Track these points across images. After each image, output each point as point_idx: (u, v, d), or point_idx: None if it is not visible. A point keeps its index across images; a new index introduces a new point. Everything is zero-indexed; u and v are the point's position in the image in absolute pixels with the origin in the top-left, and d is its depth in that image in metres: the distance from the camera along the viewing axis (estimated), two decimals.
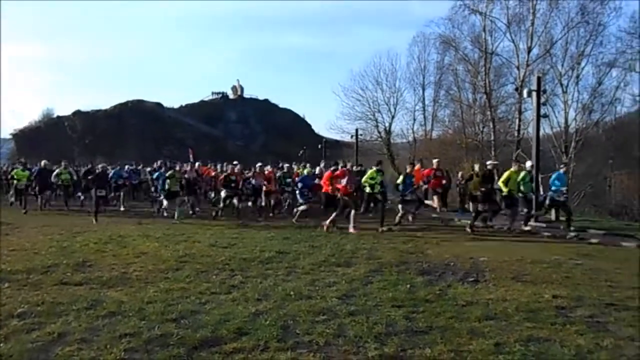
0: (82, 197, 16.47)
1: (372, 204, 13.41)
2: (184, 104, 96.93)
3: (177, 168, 15.03)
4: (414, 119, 36.70)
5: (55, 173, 15.96)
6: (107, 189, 13.74)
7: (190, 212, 14.12)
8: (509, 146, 28.24)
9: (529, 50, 27.20)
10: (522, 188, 11.18)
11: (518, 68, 27.74)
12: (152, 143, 73.85)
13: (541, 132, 16.39)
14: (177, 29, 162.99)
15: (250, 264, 7.15)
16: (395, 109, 35.90)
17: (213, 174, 16.74)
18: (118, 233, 10.24)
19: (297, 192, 13.20)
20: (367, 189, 11.66)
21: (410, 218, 12.44)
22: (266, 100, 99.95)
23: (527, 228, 11.13)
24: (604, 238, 10.15)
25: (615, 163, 27.77)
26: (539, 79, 15.26)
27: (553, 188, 11.06)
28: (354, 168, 14.09)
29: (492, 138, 28.69)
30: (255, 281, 6.06)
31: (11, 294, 5.35)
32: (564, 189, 11.03)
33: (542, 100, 15.49)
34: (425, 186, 13.06)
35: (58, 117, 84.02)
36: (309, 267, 6.93)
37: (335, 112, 61.32)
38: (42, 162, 16.62)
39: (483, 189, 10.89)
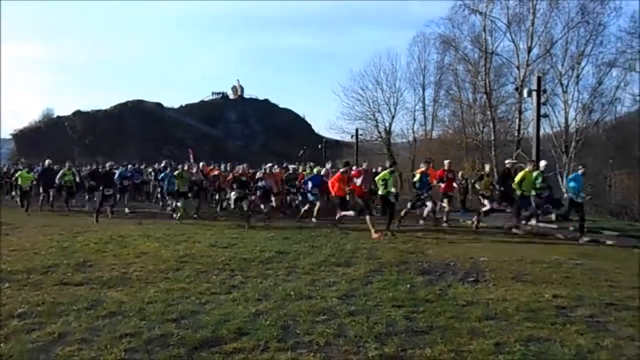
0: (87, 198, 16.21)
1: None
2: (184, 104, 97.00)
3: (186, 167, 14.56)
4: (414, 119, 36.76)
5: (60, 174, 15.89)
6: (114, 188, 13.48)
7: (194, 214, 13.62)
8: (509, 146, 28.23)
9: (529, 50, 27.21)
10: (537, 187, 10.99)
11: (518, 68, 27.74)
12: (152, 143, 73.84)
13: (541, 132, 16.44)
14: (177, 29, 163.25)
15: (250, 264, 7.15)
16: (395, 108, 35.98)
17: (216, 172, 16.60)
18: (118, 233, 10.24)
19: (307, 191, 13.06)
20: (380, 191, 11.16)
21: (422, 220, 12.16)
22: (266, 100, 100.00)
23: (517, 229, 10.93)
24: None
25: (616, 163, 27.75)
26: (539, 78, 15.29)
27: (570, 190, 10.68)
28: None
29: (492, 138, 28.70)
30: (255, 281, 6.06)
31: (11, 294, 5.35)
32: (582, 193, 10.63)
33: (542, 100, 15.50)
34: (442, 184, 12.69)
35: (58, 117, 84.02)
36: (309, 267, 6.93)
37: (335, 112, 61.63)
38: (46, 162, 16.52)
39: (502, 189, 10.71)
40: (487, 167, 12.63)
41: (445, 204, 12.52)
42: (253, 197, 13.03)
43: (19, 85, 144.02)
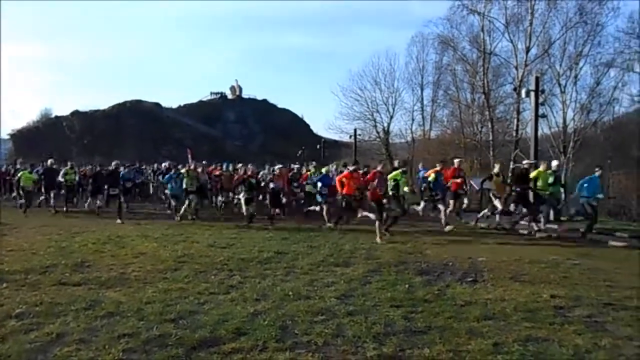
0: (89, 199, 15.85)
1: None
2: (182, 104, 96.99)
3: (192, 167, 14.03)
4: (413, 119, 36.72)
5: (62, 173, 15.81)
6: (119, 188, 13.25)
7: (192, 217, 13.24)
8: (507, 146, 28.27)
9: (528, 50, 27.22)
10: (550, 188, 10.89)
11: (516, 68, 27.76)
12: (150, 143, 73.80)
13: (539, 132, 16.41)
14: (177, 29, 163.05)
15: (248, 264, 7.15)
16: (393, 109, 35.96)
17: (217, 172, 16.48)
18: (117, 233, 10.22)
19: (316, 192, 12.88)
20: (391, 191, 10.93)
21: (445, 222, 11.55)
22: (265, 100, 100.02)
23: (540, 231, 10.69)
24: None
25: (614, 163, 27.76)
26: (537, 79, 15.28)
27: (585, 192, 10.46)
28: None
29: (491, 138, 28.72)
30: (253, 281, 6.06)
31: (9, 295, 5.34)
32: (600, 195, 10.55)
33: (541, 100, 15.46)
34: (459, 180, 12.45)
35: (56, 117, 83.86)
36: (308, 267, 6.93)
37: (333, 112, 61.27)
38: (49, 162, 16.34)
39: (518, 189, 10.58)
40: (496, 167, 12.44)
41: (452, 204, 12.27)
42: (260, 199, 12.81)
43: (19, 85, 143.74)
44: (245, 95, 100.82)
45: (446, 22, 30.34)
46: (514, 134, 27.70)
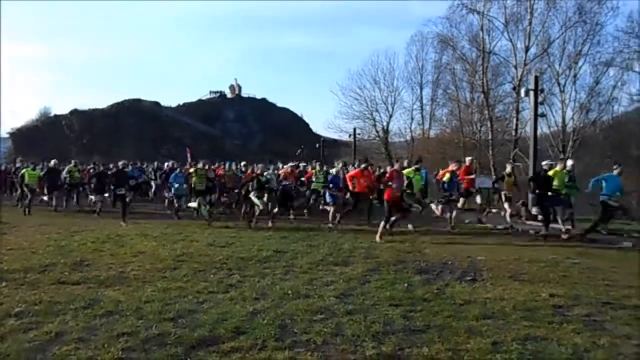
0: (93, 199, 15.43)
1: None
2: (181, 103, 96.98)
3: (200, 165, 13.75)
4: (412, 118, 36.84)
5: (66, 170, 15.74)
6: (125, 188, 12.99)
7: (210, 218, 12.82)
8: (507, 145, 28.34)
9: (527, 49, 27.30)
10: (565, 188, 10.78)
11: (516, 67, 27.83)
12: (149, 142, 73.85)
13: (539, 131, 16.46)
14: (177, 29, 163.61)
15: (247, 263, 7.15)
16: (393, 108, 36.07)
17: (221, 172, 16.45)
18: (116, 232, 10.22)
19: (327, 191, 12.74)
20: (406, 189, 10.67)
21: (451, 223, 11.39)
22: (264, 99, 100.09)
23: (567, 233, 10.45)
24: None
25: (613, 162, 27.83)
26: (536, 78, 15.30)
27: (605, 190, 10.02)
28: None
29: (490, 137, 28.79)
30: (252, 280, 6.06)
31: (8, 293, 5.34)
32: (618, 193, 10.14)
33: (540, 99, 15.47)
34: (471, 176, 12.13)
35: (55, 115, 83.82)
36: (307, 266, 6.93)
37: (333, 111, 61.39)
38: (52, 162, 16.23)
39: (537, 191, 10.41)
40: (508, 167, 12.32)
41: (461, 202, 12.02)
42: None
43: (19, 85, 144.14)
44: (244, 94, 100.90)
45: (445, 22, 30.54)
46: (513, 133, 27.77)
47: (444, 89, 34.20)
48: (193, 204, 12.98)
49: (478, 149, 29.62)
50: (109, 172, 15.03)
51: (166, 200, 15.82)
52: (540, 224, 11.46)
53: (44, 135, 74.07)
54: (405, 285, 5.84)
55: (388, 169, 12.14)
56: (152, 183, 19.78)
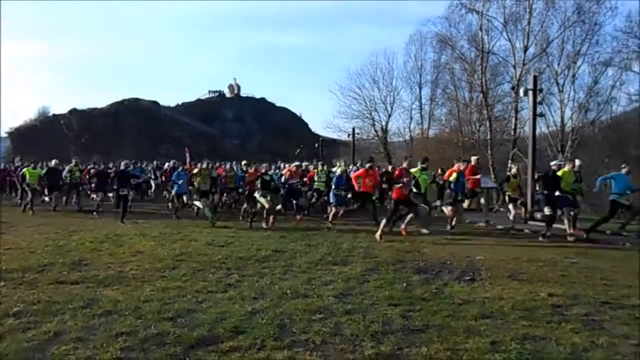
0: (97, 198, 15.28)
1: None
2: (180, 103, 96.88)
3: (204, 165, 13.78)
4: (411, 118, 36.77)
5: (67, 169, 15.68)
6: (128, 188, 12.92)
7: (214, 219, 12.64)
8: (505, 145, 28.33)
9: (526, 49, 27.29)
10: (572, 188, 10.61)
11: (514, 67, 27.82)
12: (148, 142, 73.80)
13: (537, 131, 16.40)
14: (177, 29, 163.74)
15: (246, 262, 7.15)
16: (392, 107, 36.05)
17: (221, 172, 16.44)
18: (114, 232, 10.21)
19: (331, 192, 12.52)
20: (413, 189, 10.58)
21: (452, 222, 11.23)
22: (263, 99, 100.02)
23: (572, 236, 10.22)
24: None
25: (611, 162, 27.86)
26: (535, 77, 15.28)
27: (614, 189, 10.02)
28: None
29: (489, 137, 28.78)
30: (251, 280, 6.06)
31: (7, 293, 5.33)
32: (628, 191, 10.10)
33: (539, 99, 15.45)
34: (478, 176, 11.94)
35: (54, 115, 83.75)
36: (306, 265, 6.93)
37: (332, 110, 61.52)
38: (53, 162, 16.17)
39: (546, 192, 10.28)
40: (513, 168, 12.20)
41: (467, 203, 11.95)
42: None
43: (19, 85, 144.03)
44: (243, 93, 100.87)
45: (444, 21, 30.48)
46: (512, 133, 27.77)
47: (442, 89, 34.18)
48: (198, 203, 12.98)
49: (477, 149, 29.60)
50: (111, 173, 15.01)
51: (172, 197, 15.57)
52: (540, 224, 11.47)
53: (42, 134, 74.01)
54: (404, 284, 5.84)
55: (389, 168, 12.12)
56: (152, 182, 19.79)
